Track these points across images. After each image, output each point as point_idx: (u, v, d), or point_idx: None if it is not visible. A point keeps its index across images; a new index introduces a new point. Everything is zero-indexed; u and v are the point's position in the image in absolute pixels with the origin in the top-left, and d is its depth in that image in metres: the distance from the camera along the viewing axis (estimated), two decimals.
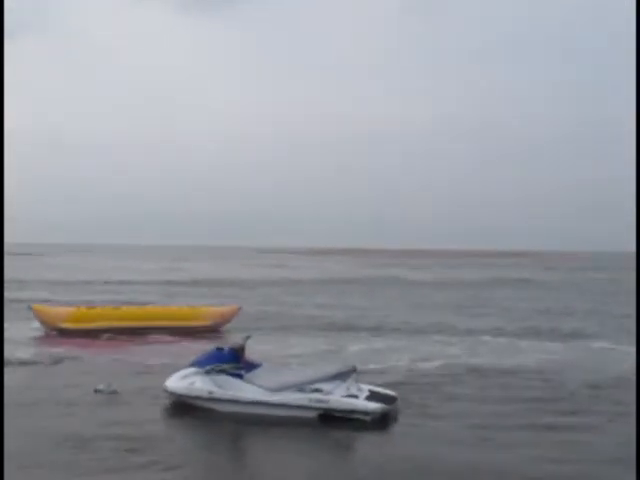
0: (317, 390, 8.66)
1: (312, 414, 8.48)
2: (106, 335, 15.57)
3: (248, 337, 9.63)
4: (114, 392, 9.62)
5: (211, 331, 16.58)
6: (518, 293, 31.90)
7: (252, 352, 9.68)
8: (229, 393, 8.81)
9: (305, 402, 8.53)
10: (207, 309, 17.89)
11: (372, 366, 11.82)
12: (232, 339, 13.13)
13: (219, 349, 9.36)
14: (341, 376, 8.88)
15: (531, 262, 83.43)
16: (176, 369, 9.70)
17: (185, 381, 9.12)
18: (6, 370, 10.51)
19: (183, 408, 8.97)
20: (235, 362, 9.08)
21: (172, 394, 9.18)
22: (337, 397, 8.57)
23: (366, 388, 9.01)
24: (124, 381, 10.29)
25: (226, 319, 17.44)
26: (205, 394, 8.87)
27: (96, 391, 9.64)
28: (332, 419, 8.40)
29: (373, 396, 8.80)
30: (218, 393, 8.84)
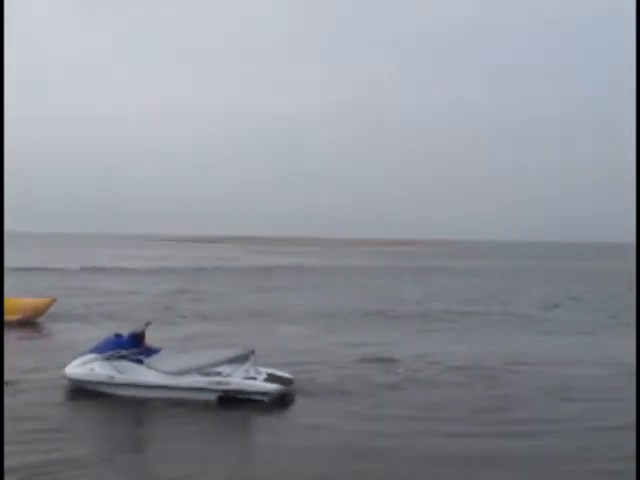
0: (217, 373, 8.99)
1: (212, 396, 8.82)
2: None
3: (148, 323, 9.76)
4: (6, 383, 9.47)
5: (22, 324, 15.44)
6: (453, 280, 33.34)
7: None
8: (129, 378, 8.98)
9: (205, 384, 8.86)
10: (18, 301, 16.23)
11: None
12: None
13: (118, 335, 9.46)
14: (240, 359, 9.21)
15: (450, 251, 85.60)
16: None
17: (85, 367, 9.17)
18: None
19: (83, 394, 9.02)
20: (135, 347, 9.25)
21: (71, 380, 9.22)
22: (236, 379, 8.94)
23: (264, 371, 9.41)
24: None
25: (39, 312, 16.31)
26: (105, 379, 8.99)
27: None
28: (231, 401, 8.78)
29: (271, 378, 9.24)
30: (119, 378, 8.99)
